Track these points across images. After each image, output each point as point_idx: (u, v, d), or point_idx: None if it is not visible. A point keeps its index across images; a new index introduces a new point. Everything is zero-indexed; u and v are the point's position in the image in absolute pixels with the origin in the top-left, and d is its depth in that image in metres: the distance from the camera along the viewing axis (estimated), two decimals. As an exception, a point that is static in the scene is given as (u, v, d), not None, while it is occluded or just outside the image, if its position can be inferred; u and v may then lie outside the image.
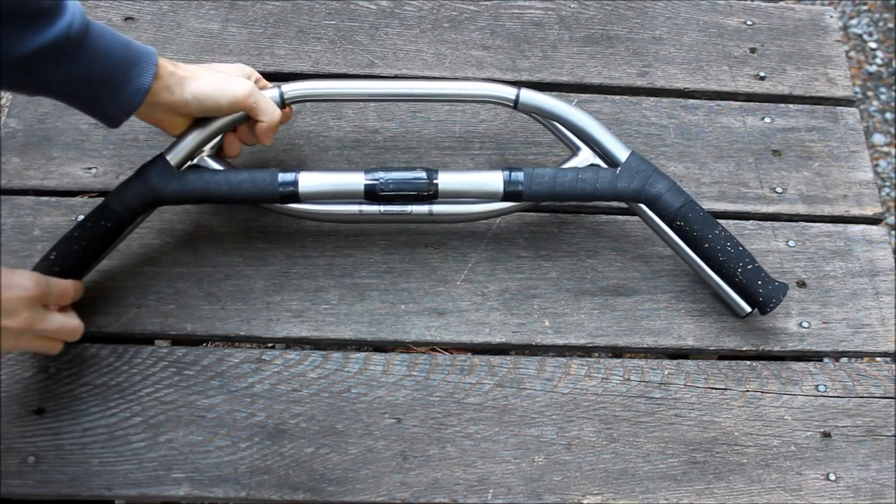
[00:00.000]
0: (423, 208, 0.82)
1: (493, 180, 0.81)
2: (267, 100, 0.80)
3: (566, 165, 0.84)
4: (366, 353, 0.83)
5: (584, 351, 0.86)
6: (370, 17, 1.02)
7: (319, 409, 0.80)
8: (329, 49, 0.99)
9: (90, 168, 0.90)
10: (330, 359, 0.82)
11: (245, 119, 0.81)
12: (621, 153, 0.83)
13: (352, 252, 0.87)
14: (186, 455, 0.78)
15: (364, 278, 0.86)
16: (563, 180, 0.81)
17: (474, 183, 0.81)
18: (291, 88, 0.83)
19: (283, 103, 0.83)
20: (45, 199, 0.88)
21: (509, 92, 0.84)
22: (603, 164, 0.84)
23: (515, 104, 0.84)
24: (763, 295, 0.81)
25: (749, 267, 0.81)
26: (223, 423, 0.79)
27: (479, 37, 1.02)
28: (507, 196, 0.82)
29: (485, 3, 1.05)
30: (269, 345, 1.10)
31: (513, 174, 0.81)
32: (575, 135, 0.85)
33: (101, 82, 0.72)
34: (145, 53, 0.74)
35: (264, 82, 0.85)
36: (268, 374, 0.81)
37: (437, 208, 0.83)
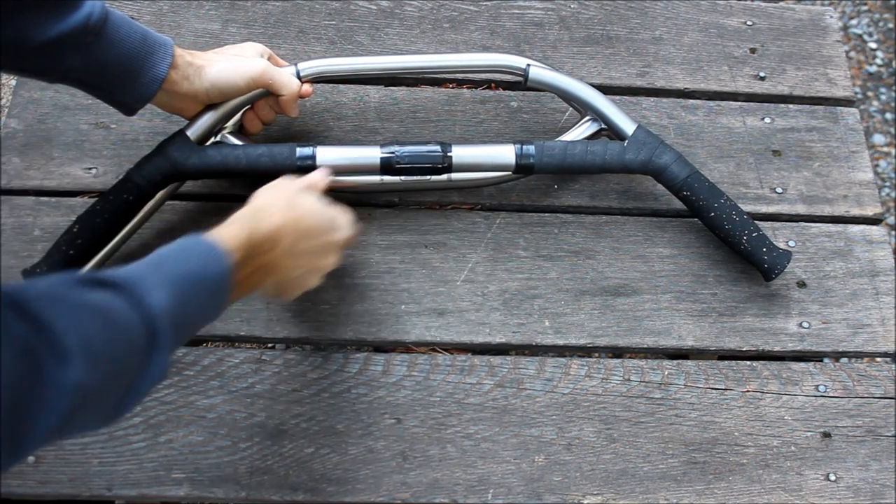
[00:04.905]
0: (442, 177, 0.84)
1: (506, 153, 0.83)
2: (282, 73, 0.81)
3: (572, 134, 0.86)
4: (366, 354, 0.83)
5: (584, 351, 0.86)
6: (370, 18, 1.02)
7: (319, 410, 0.80)
8: (329, 49, 0.99)
9: (90, 168, 0.90)
10: (330, 359, 0.82)
11: (263, 95, 0.82)
12: (628, 126, 0.85)
13: (352, 252, 0.87)
14: (186, 455, 0.77)
15: (364, 278, 0.86)
16: (573, 153, 0.83)
17: (487, 156, 0.84)
18: (307, 66, 0.85)
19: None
20: (45, 199, 0.88)
21: (520, 62, 0.86)
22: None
23: (525, 79, 0.86)
24: (768, 262, 0.83)
25: (754, 235, 0.83)
26: (223, 424, 0.79)
27: (479, 37, 1.02)
28: (519, 169, 0.84)
29: (485, 3, 1.04)
30: (269, 345, 1.10)
31: (524, 147, 0.83)
32: (583, 109, 0.87)
33: (118, 71, 0.73)
34: (161, 44, 0.75)
35: (279, 60, 0.86)
36: (268, 374, 0.81)
37: (456, 175, 0.85)
